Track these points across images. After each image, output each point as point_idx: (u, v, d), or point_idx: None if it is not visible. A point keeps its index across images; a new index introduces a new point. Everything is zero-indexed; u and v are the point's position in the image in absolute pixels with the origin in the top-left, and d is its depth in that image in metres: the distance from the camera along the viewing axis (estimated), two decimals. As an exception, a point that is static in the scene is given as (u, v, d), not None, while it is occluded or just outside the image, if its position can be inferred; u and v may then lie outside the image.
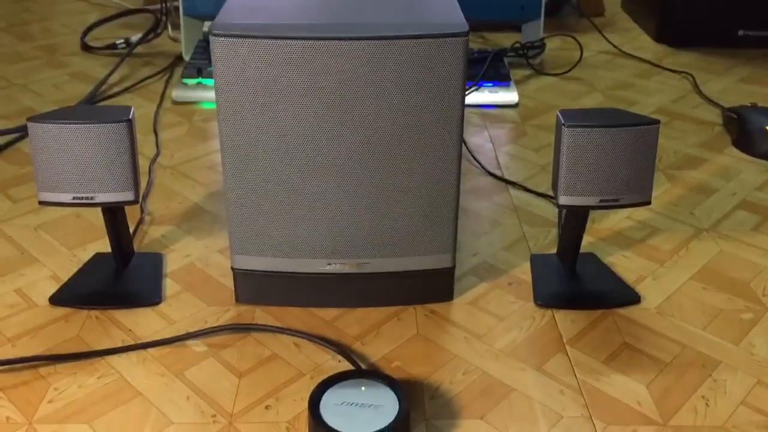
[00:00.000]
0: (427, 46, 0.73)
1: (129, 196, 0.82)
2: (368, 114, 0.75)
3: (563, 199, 0.81)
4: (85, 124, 0.78)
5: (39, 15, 1.96)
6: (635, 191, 0.81)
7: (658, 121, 0.80)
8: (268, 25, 0.73)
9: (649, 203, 0.82)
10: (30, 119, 0.79)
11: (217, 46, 0.72)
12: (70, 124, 0.78)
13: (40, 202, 0.81)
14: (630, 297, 0.87)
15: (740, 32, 1.72)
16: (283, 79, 0.73)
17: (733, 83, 1.54)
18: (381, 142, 0.76)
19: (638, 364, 0.78)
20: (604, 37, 1.77)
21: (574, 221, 0.88)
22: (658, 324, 0.83)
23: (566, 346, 0.80)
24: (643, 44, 1.77)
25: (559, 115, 0.81)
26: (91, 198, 0.81)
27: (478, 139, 1.28)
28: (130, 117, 0.80)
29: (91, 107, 0.84)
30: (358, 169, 0.77)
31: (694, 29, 1.73)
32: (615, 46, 1.73)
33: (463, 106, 0.76)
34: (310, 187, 0.78)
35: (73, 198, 0.81)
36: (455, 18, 0.75)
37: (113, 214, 0.86)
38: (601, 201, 0.81)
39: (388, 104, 0.75)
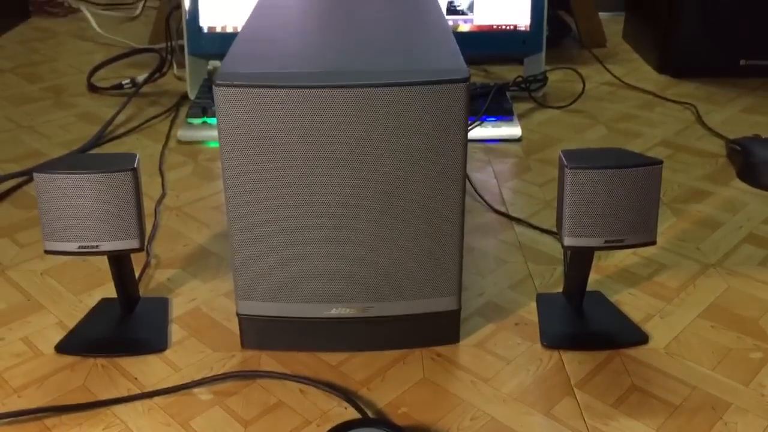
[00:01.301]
0: (428, 93, 0.73)
1: (134, 243, 0.82)
2: (370, 159, 0.75)
3: (568, 240, 0.81)
4: (90, 173, 0.79)
5: (46, 56, 1.99)
6: (640, 232, 0.81)
7: (661, 161, 0.80)
8: (270, 74, 0.74)
9: (654, 243, 0.82)
10: (35, 169, 0.79)
11: (220, 95, 0.73)
12: (75, 174, 0.79)
13: (46, 251, 0.82)
14: (638, 337, 0.87)
15: (742, 62, 1.73)
16: (285, 126, 0.74)
17: (736, 113, 1.54)
18: (383, 187, 0.77)
19: (647, 407, 0.77)
20: (606, 68, 1.78)
21: (579, 261, 0.87)
22: (667, 365, 0.83)
23: (574, 389, 0.80)
24: (645, 75, 1.78)
25: (562, 156, 0.81)
26: (97, 246, 0.81)
27: (482, 174, 1.29)
28: (135, 165, 0.81)
29: (97, 155, 0.85)
30: (360, 213, 0.78)
31: (695, 59, 1.73)
32: (617, 78, 1.74)
33: (466, 149, 0.76)
34: (313, 232, 0.78)
35: (79, 247, 0.81)
36: (456, 63, 0.76)
37: (119, 261, 0.86)
38: (605, 242, 0.81)
39: (390, 149, 0.75)
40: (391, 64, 0.76)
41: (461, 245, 0.81)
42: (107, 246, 0.81)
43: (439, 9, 0.98)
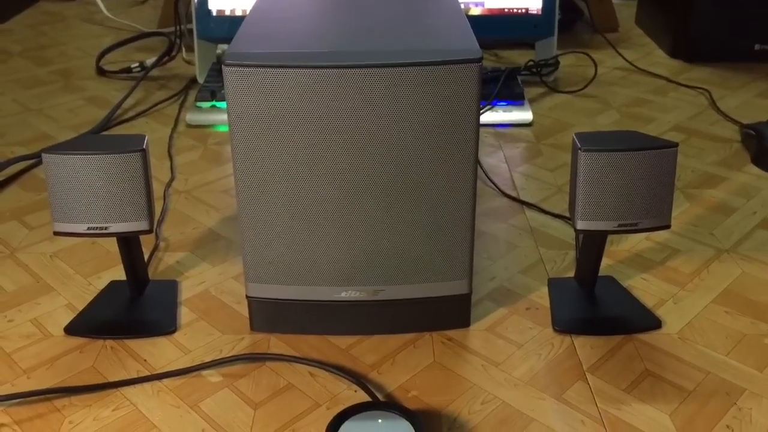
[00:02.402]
0: (440, 73, 0.72)
1: (143, 225, 0.81)
2: (381, 140, 0.74)
3: (581, 224, 0.80)
4: (99, 154, 0.78)
5: (54, 39, 1.98)
6: (654, 215, 0.80)
7: (676, 144, 0.78)
8: (280, 53, 0.73)
9: (668, 227, 0.81)
10: (45, 150, 0.79)
11: (229, 75, 0.72)
12: (84, 154, 0.78)
13: (55, 233, 0.81)
14: (651, 322, 0.86)
15: (757, 46, 1.70)
16: (295, 107, 0.73)
17: (751, 98, 1.52)
18: (395, 168, 0.76)
19: (661, 392, 0.76)
20: (618, 53, 1.76)
21: (592, 245, 0.86)
22: (680, 350, 0.82)
23: (586, 373, 0.79)
24: (658, 59, 1.76)
25: (575, 139, 0.80)
26: (106, 228, 0.81)
27: (493, 159, 1.27)
28: (144, 146, 0.80)
29: (106, 136, 0.84)
30: (372, 195, 0.77)
31: (709, 44, 1.71)
32: (630, 62, 1.72)
33: (478, 131, 0.75)
34: (323, 214, 0.78)
35: (88, 228, 0.81)
36: (468, 43, 0.75)
37: (128, 243, 0.86)
38: (619, 225, 0.80)
39: (402, 130, 0.74)
40: (402, 45, 0.75)
41: (473, 227, 0.80)
42: (116, 227, 0.81)
43: (451, -10, 0.96)
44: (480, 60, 0.72)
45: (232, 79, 0.72)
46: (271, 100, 0.73)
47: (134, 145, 0.80)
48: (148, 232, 0.82)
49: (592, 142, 0.79)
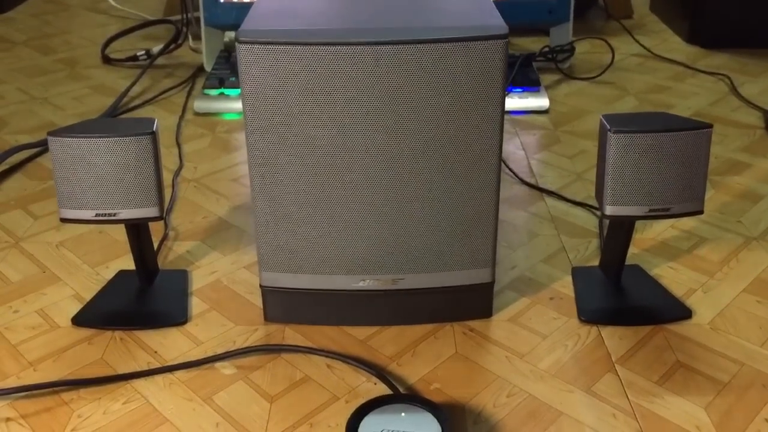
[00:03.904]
0: (465, 50, 0.69)
1: (153, 212, 0.78)
2: (402, 122, 0.71)
3: (610, 209, 0.77)
4: (107, 137, 0.75)
5: (59, 28, 1.95)
6: (686, 200, 0.77)
7: (710, 125, 0.75)
8: (295, 30, 0.69)
9: (701, 212, 0.78)
10: (50, 133, 0.76)
11: (243, 53, 0.69)
12: (91, 137, 0.75)
13: (62, 219, 0.78)
14: (681, 312, 0.82)
15: (776, 32, 1.66)
16: (312, 86, 0.70)
17: (772, 84, 1.48)
18: (416, 151, 0.72)
19: (694, 384, 0.73)
20: (635, 39, 1.72)
21: (619, 232, 0.83)
22: (713, 340, 0.79)
23: (615, 365, 0.75)
24: (675, 46, 1.72)
25: (604, 121, 0.76)
26: (114, 214, 0.78)
27: (510, 146, 1.24)
28: (154, 129, 0.77)
29: (114, 120, 0.81)
30: (392, 180, 0.74)
31: (727, 30, 1.67)
32: (646, 48, 1.68)
33: (503, 110, 0.72)
34: (341, 198, 0.74)
35: (96, 215, 0.78)
36: (494, 19, 0.71)
37: (137, 230, 0.83)
38: (650, 211, 0.76)
39: (424, 111, 0.71)
40: (425, 22, 0.71)
41: (496, 213, 0.77)
42: (125, 214, 0.78)
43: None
44: (506, 36, 0.69)
45: (246, 57, 0.69)
46: (287, 79, 0.70)
47: (144, 128, 0.77)
48: (159, 218, 0.79)
49: (622, 123, 0.75)
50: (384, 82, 0.69)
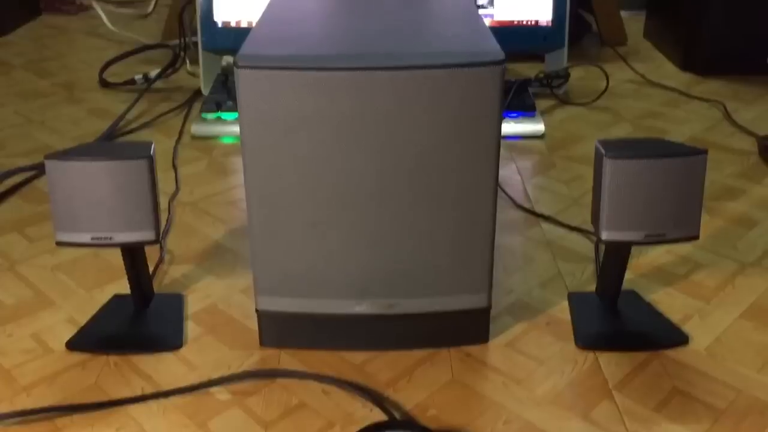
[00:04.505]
0: (461, 76, 0.69)
1: (149, 235, 0.78)
2: (399, 146, 0.71)
3: (606, 234, 0.77)
4: (104, 161, 0.75)
5: (57, 52, 1.96)
6: (682, 225, 0.77)
7: (705, 151, 0.75)
8: (294, 56, 0.70)
9: (697, 238, 0.78)
10: (47, 156, 0.76)
11: (242, 77, 0.69)
12: (88, 161, 0.75)
13: (58, 243, 0.78)
14: (677, 337, 0.82)
15: (769, 59, 1.68)
16: (310, 111, 0.70)
17: (766, 111, 1.49)
18: (413, 176, 0.73)
19: (692, 411, 0.72)
20: (629, 65, 1.73)
21: (615, 258, 0.83)
22: (710, 367, 0.78)
23: (612, 391, 0.75)
24: (669, 73, 1.74)
25: (599, 146, 0.77)
26: (110, 238, 0.78)
27: (506, 171, 1.24)
28: (151, 153, 0.77)
29: (111, 144, 0.81)
30: (388, 204, 0.74)
31: (721, 57, 1.69)
32: (641, 75, 1.70)
33: (500, 135, 0.72)
34: (337, 222, 0.74)
35: (92, 238, 0.77)
36: (490, 45, 0.72)
37: (133, 254, 0.83)
38: (646, 236, 0.76)
39: (421, 137, 0.71)
40: (421, 47, 0.72)
41: (493, 237, 0.77)
42: (121, 237, 0.78)
43: (467, -5, 0.94)
44: (503, 62, 0.69)
45: (245, 82, 0.69)
46: (285, 104, 0.70)
47: (141, 152, 0.77)
48: (154, 242, 0.79)
49: (618, 148, 0.75)
50: (380, 108, 0.70)
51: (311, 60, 0.69)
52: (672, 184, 0.75)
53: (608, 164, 0.75)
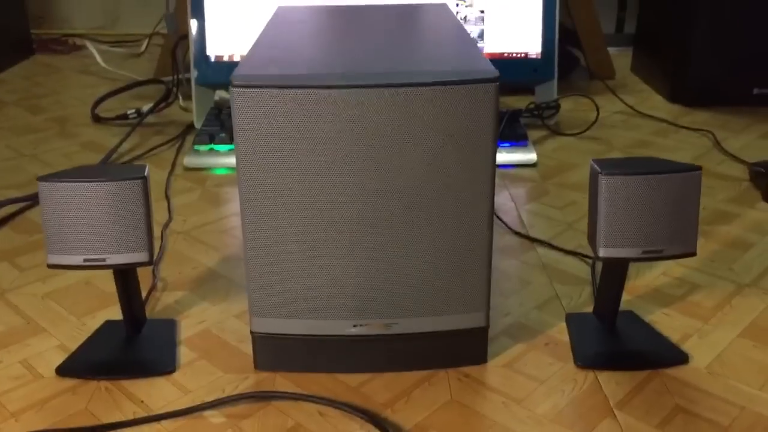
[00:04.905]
0: (456, 94, 0.69)
1: (143, 257, 0.77)
2: (395, 166, 0.71)
3: (603, 252, 0.76)
4: (97, 182, 0.75)
5: (50, 89, 1.97)
6: (679, 242, 0.77)
7: (700, 168, 0.76)
8: (288, 75, 0.70)
9: (694, 254, 0.78)
10: (41, 178, 0.75)
11: (237, 97, 0.69)
12: (82, 182, 0.75)
13: (49, 265, 0.77)
14: (677, 356, 0.81)
15: (755, 90, 1.71)
16: (305, 130, 0.70)
17: (754, 140, 1.51)
18: (408, 195, 0.72)
19: (695, 428, 0.71)
20: (618, 97, 1.76)
21: (613, 275, 0.83)
22: (711, 385, 0.77)
23: (614, 410, 0.74)
24: (657, 104, 1.76)
25: (594, 164, 0.77)
26: (103, 260, 0.77)
27: (500, 198, 1.24)
28: (145, 174, 0.76)
29: (105, 166, 0.81)
30: (384, 224, 0.73)
31: (708, 89, 1.71)
32: (630, 106, 1.72)
33: (495, 152, 0.72)
34: (333, 242, 0.74)
35: (84, 260, 0.76)
36: (483, 64, 0.73)
37: (125, 276, 0.81)
38: (643, 252, 0.76)
39: (416, 155, 0.71)
40: (416, 66, 0.73)
41: (490, 255, 0.76)
42: (114, 259, 0.77)
43: (456, 19, 0.95)
44: (498, 79, 0.70)
45: (239, 101, 0.70)
46: (280, 123, 0.70)
47: (135, 173, 0.76)
48: (148, 263, 0.78)
49: (612, 166, 0.76)
50: (375, 127, 0.70)
51: (306, 78, 0.69)
52: (667, 201, 0.75)
53: (604, 181, 0.75)
